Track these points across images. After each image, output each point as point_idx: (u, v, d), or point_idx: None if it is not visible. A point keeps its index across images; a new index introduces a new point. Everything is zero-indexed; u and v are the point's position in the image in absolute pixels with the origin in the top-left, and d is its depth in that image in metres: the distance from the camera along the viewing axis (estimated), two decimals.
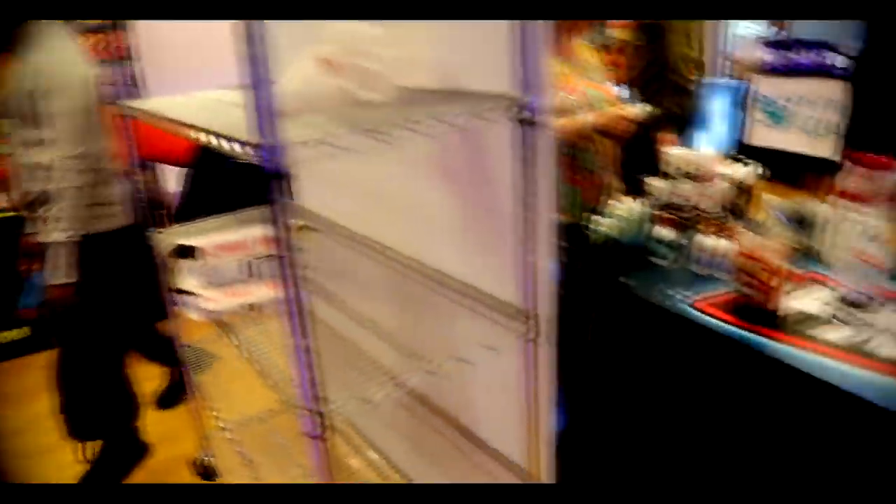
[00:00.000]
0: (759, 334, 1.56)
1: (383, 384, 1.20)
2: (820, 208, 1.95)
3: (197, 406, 1.90)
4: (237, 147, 0.92)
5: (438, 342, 1.47)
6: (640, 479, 2.02)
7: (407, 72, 1.30)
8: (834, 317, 1.60)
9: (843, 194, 1.87)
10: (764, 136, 5.60)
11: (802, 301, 1.71)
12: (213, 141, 0.99)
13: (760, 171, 5.76)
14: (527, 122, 1.11)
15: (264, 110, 0.84)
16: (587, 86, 2.29)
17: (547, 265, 1.23)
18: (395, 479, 1.89)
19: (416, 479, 1.84)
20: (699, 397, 1.72)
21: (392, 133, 0.98)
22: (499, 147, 1.19)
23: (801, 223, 2.06)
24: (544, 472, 1.39)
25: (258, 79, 0.82)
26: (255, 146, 0.86)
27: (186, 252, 1.40)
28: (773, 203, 2.20)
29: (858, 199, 1.82)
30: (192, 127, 1.08)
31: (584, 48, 2.41)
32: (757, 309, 1.57)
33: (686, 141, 5.75)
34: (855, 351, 1.48)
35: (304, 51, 1.16)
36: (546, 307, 1.26)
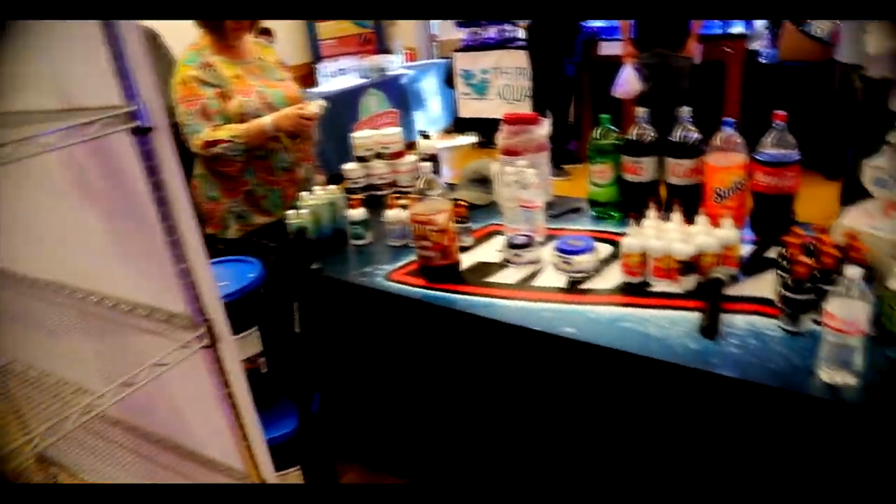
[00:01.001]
0: (447, 291, 1.68)
1: (69, 416, 1.09)
2: (494, 165, 2.15)
3: None
4: None
5: (117, 366, 1.38)
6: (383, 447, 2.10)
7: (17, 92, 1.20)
8: (506, 261, 1.78)
9: (503, 151, 2.08)
10: (471, 107, 6.08)
11: (484, 252, 1.89)
12: None
13: (475, 139, 6.20)
14: (140, 130, 1.07)
15: None
16: (265, 85, 2.27)
17: (205, 269, 1.20)
18: None
19: None
20: (412, 359, 1.82)
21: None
22: (125, 159, 1.13)
23: (484, 181, 2.26)
24: (262, 469, 1.38)
25: None
26: None
27: None
28: (464, 166, 2.38)
29: (513, 153, 2.04)
30: None
31: (259, 47, 2.39)
32: (440, 268, 1.70)
33: (406, 121, 6.03)
34: (524, 287, 1.67)
35: None
36: (217, 311, 1.23)
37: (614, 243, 1.83)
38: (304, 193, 2.09)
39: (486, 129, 5.64)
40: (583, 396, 1.51)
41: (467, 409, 1.78)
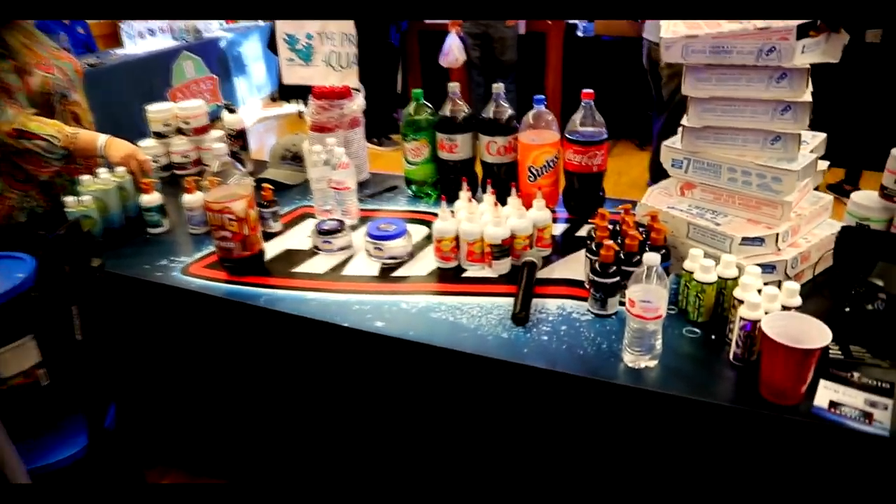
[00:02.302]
0: (250, 285, 1.52)
1: None
2: (305, 143, 1.98)
3: None
4: None
5: None
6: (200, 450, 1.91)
7: None
8: (316, 248, 1.64)
9: (312, 127, 1.92)
10: (297, 73, 5.76)
11: (294, 238, 1.73)
12: None
13: (300, 108, 5.85)
14: None
15: None
16: (55, 56, 1.90)
17: None
18: None
19: None
20: (218, 359, 1.64)
21: None
22: None
23: (297, 158, 2.09)
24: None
25: None
26: None
27: None
28: (275, 143, 2.18)
29: (323, 129, 1.89)
30: None
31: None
32: (241, 260, 1.53)
33: (226, 88, 5.62)
34: (335, 277, 1.54)
35: None
36: None
37: (431, 225, 1.75)
38: (85, 177, 1.80)
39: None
40: (399, 392, 1.43)
41: (282, 407, 1.64)
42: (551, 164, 1.70)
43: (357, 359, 1.41)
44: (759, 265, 1.29)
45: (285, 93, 5.87)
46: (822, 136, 1.40)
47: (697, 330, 1.28)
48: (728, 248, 1.33)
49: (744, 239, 1.32)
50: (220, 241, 1.51)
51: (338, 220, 1.64)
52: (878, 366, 1.14)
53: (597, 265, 1.29)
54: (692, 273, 1.28)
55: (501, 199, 1.57)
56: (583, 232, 1.68)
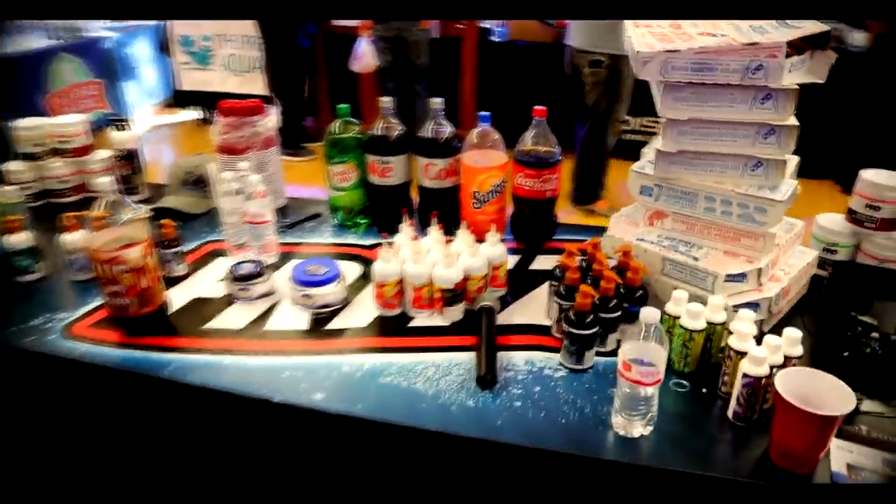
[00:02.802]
0: (152, 349, 1.24)
1: None
2: (211, 165, 1.70)
3: None
4: None
5: None
6: None
7: None
8: (231, 296, 1.38)
9: (220, 149, 1.65)
10: (193, 78, 5.33)
11: (203, 283, 1.46)
12: None
13: (198, 115, 5.38)
14: None
15: None
16: None
17: None
18: None
19: None
20: (116, 441, 1.35)
21: None
22: None
23: (200, 183, 1.81)
24: None
25: None
26: None
27: None
28: (173, 164, 1.88)
29: (234, 151, 1.63)
30: None
31: None
32: (139, 318, 1.25)
33: (113, 94, 5.12)
34: (257, 333, 1.29)
35: None
36: None
37: (364, 260, 1.52)
38: None
39: (211, 102, 4.99)
40: (347, 479, 1.20)
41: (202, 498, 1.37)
42: (499, 188, 1.52)
43: (292, 440, 1.17)
44: (743, 304, 1.16)
45: (181, 99, 5.42)
46: (796, 159, 1.29)
47: (685, 382, 1.13)
48: (710, 287, 1.19)
49: (727, 276, 1.18)
50: (112, 297, 1.22)
51: (255, 261, 1.39)
52: (884, 415, 1.03)
53: (571, 314, 1.12)
54: (677, 318, 1.12)
55: (446, 229, 1.37)
56: (538, 265, 1.50)
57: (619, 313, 1.16)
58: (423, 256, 1.28)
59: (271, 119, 1.70)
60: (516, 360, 1.19)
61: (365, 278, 1.45)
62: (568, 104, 3.57)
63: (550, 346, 1.22)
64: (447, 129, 1.53)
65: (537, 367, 1.17)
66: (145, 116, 5.46)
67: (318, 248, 1.60)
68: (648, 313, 0.94)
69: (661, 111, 1.17)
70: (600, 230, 1.42)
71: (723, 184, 1.21)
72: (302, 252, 1.58)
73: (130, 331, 1.26)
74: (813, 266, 1.33)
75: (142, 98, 5.50)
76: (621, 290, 1.17)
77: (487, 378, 1.11)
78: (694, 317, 1.09)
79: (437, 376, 1.15)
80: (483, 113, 1.50)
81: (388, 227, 1.44)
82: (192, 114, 5.44)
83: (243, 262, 1.39)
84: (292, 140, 4.41)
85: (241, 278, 1.34)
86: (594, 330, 1.12)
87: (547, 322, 1.28)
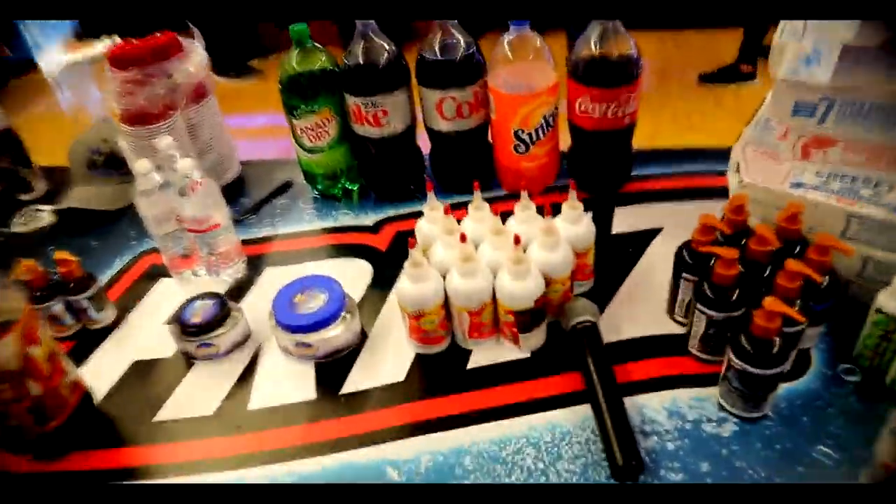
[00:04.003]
0: (73, 477, 0.79)
1: None
2: (123, 139, 1.17)
3: None
4: None
5: None
6: None
7: None
8: (187, 354, 0.91)
9: (123, 118, 1.12)
10: None
11: (143, 331, 0.99)
12: None
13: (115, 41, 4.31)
14: None
15: None
16: None
17: None
18: None
19: None
20: None
21: None
22: None
23: (115, 163, 1.28)
24: None
25: None
26: None
27: None
28: (74, 142, 1.34)
29: (145, 119, 1.10)
30: None
31: None
32: (46, 435, 0.78)
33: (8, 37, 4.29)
34: (238, 418, 0.84)
35: None
36: None
37: (372, 253, 1.06)
38: None
39: (127, 28, 4.19)
40: None
41: None
42: (550, 121, 1.04)
43: None
44: None
45: (90, 28, 4.56)
46: None
47: None
48: None
49: None
50: None
51: (213, 294, 0.91)
52: None
53: (745, 342, 0.68)
54: None
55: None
56: (622, 224, 1.05)
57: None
58: (474, 259, 0.81)
59: (196, 58, 1.15)
60: (650, 409, 0.76)
61: (379, 286, 0.99)
62: None
63: (694, 376, 0.79)
64: (462, 42, 1.02)
65: (686, 419, 0.75)
66: (56, 54, 4.63)
67: (299, 241, 1.12)
68: None
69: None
70: (697, 155, 0.98)
71: None
72: (277, 252, 1.09)
73: (37, 454, 0.80)
74: None
75: (45, 33, 4.64)
76: (816, 290, 0.73)
77: (632, 465, 0.68)
78: None
79: (540, 464, 0.72)
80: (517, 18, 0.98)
81: (392, 194, 0.97)
82: (109, 43, 4.62)
83: (194, 299, 0.91)
84: (230, 58, 3.70)
85: (195, 329, 0.87)
86: (781, 368, 0.69)
87: (675, 328, 0.85)
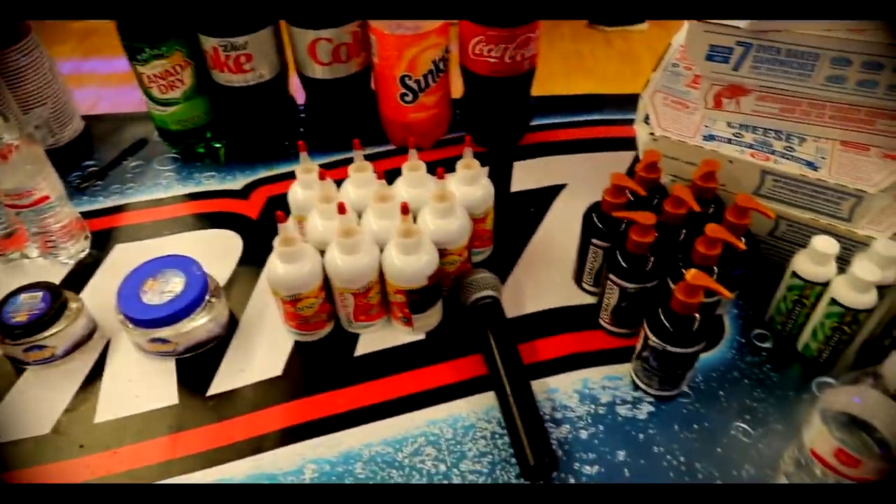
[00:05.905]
0: None
1: None
2: None
3: None
4: None
5: None
6: None
7: None
8: (16, 361, 0.75)
9: None
10: None
11: None
12: None
13: None
14: None
15: None
16: None
17: None
18: None
19: None
20: None
21: None
22: None
23: None
24: None
25: None
26: None
27: None
28: None
29: None
30: None
31: None
32: None
33: None
34: (70, 445, 0.70)
35: None
36: None
37: (244, 222, 0.92)
38: None
39: None
40: None
41: None
42: (440, 66, 0.92)
43: None
44: None
45: None
46: None
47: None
48: (848, 216, 0.71)
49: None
50: None
51: (42, 285, 0.75)
52: None
53: (663, 318, 0.62)
54: (822, 287, 0.66)
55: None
56: (521, 181, 0.96)
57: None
58: (356, 233, 0.69)
59: None
60: (561, 394, 0.69)
61: (250, 261, 0.86)
62: None
63: (605, 352, 0.73)
64: None
65: (600, 402, 0.68)
66: None
67: (155, 211, 0.96)
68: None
69: None
70: (598, 102, 0.90)
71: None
72: (129, 225, 0.93)
73: None
74: None
75: None
76: (737, 255, 0.67)
77: (545, 462, 0.61)
78: (858, 286, 0.63)
79: (442, 466, 0.63)
80: None
81: (263, 152, 0.83)
82: None
83: (17, 292, 0.74)
84: None
85: (20, 332, 0.71)
86: (701, 344, 0.63)
87: (584, 297, 0.78)
